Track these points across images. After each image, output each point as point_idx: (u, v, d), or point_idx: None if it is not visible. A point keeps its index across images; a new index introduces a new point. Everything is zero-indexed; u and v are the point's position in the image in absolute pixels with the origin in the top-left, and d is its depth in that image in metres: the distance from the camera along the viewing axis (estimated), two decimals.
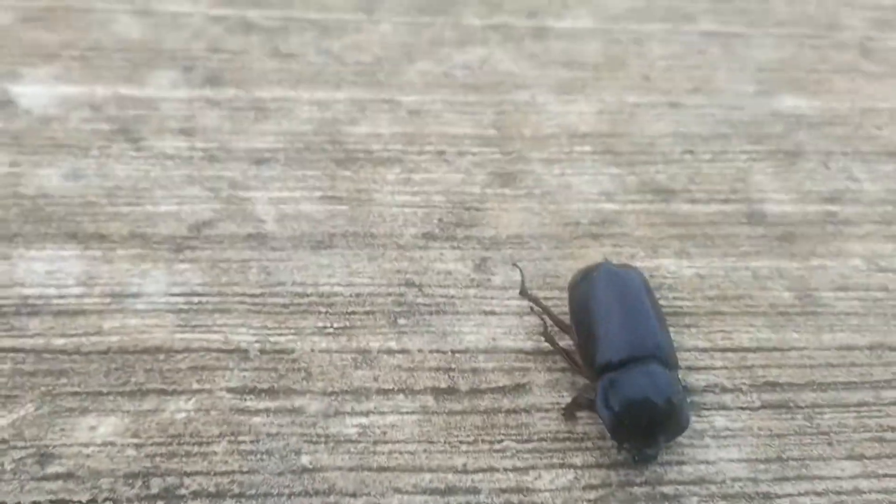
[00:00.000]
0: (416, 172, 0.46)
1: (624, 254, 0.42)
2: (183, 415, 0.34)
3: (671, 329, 0.36)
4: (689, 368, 0.36)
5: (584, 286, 0.35)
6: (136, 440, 0.33)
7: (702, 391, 0.36)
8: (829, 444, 0.34)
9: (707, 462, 0.33)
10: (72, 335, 0.37)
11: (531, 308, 0.37)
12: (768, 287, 0.40)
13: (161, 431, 0.33)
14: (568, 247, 0.42)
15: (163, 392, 0.35)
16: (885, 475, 0.33)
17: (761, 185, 0.46)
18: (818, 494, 0.33)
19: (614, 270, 0.35)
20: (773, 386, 0.36)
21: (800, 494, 0.33)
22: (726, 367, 0.37)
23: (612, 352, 0.32)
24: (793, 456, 0.34)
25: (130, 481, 0.32)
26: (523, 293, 0.37)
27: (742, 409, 0.35)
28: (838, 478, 0.33)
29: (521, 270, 0.38)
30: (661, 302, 0.39)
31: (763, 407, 0.35)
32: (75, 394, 0.35)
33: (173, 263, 0.41)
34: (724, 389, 0.36)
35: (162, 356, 0.37)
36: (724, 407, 0.35)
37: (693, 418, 0.34)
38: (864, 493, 0.33)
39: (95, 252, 0.41)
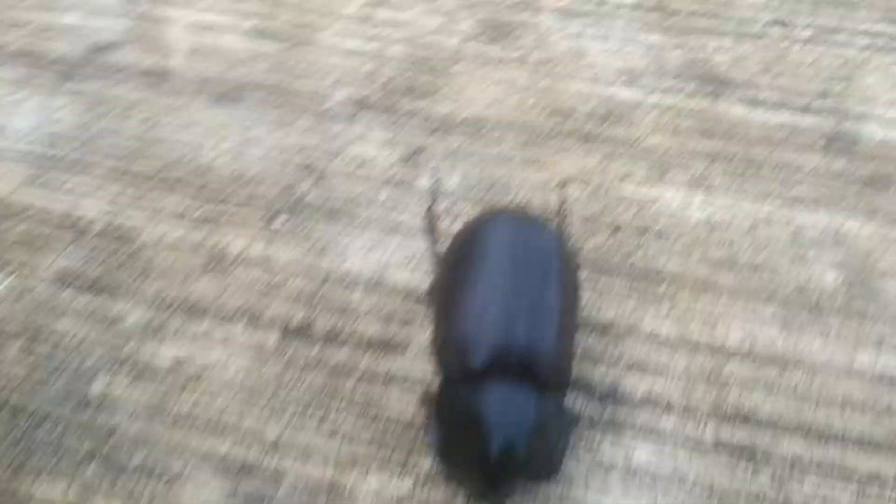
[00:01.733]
0: (384, 7, 0.35)
1: (614, 170, 0.30)
2: None
3: (628, 297, 0.26)
4: (632, 366, 0.26)
5: (462, 241, 0.24)
6: None
7: (636, 404, 0.26)
8: None
9: None
10: None
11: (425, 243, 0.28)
12: (808, 259, 0.28)
13: None
14: (541, 147, 0.31)
15: None
16: None
17: (870, 91, 0.31)
18: None
19: (514, 227, 0.24)
20: (745, 418, 0.25)
21: None
22: (687, 377, 0.26)
23: (464, 354, 0.22)
24: None
25: None
26: (427, 214, 0.27)
27: (684, 444, 0.25)
28: None
29: (437, 180, 0.28)
30: (637, 256, 0.28)
31: (716, 448, 0.25)
32: None
33: (54, 95, 0.34)
34: (670, 408, 0.25)
35: None
36: (657, 433, 0.25)
37: (605, 445, 0.25)
38: None
39: None
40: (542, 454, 0.22)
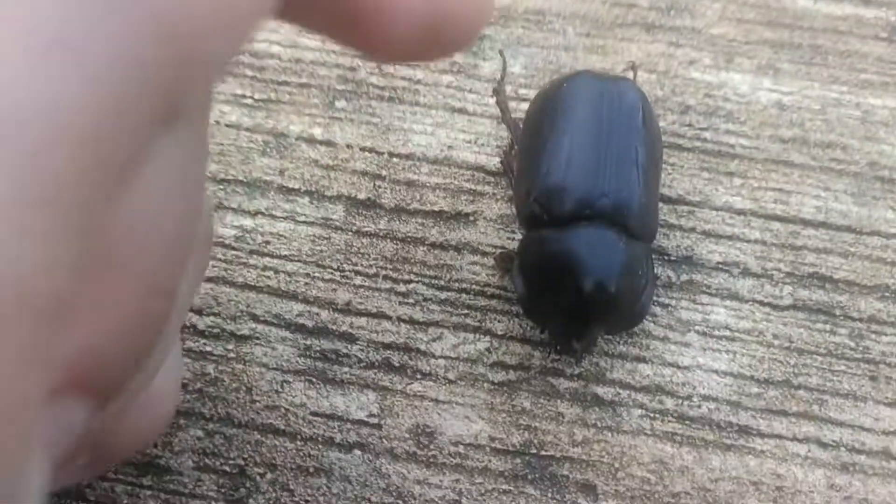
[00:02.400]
0: None
1: (680, 57, 0.31)
2: None
3: (699, 173, 0.27)
4: (705, 234, 0.27)
5: (545, 99, 0.26)
6: None
7: (712, 268, 0.27)
8: (873, 378, 0.25)
9: (677, 366, 0.25)
10: None
11: (500, 117, 0.29)
12: (878, 137, 0.29)
13: None
14: (604, 36, 0.32)
15: None
16: None
17: None
18: (822, 446, 0.24)
19: (597, 83, 0.26)
20: (822, 281, 0.27)
21: (793, 439, 0.24)
22: (763, 243, 0.27)
23: (549, 201, 0.23)
24: (808, 384, 0.25)
25: None
26: (497, 93, 0.29)
27: (761, 304, 0.26)
28: (865, 429, 0.24)
29: (504, 61, 0.29)
30: (706, 135, 0.30)
31: (794, 307, 0.26)
32: None
33: None
34: (747, 272, 0.27)
35: None
36: (734, 296, 0.26)
37: (683, 304, 0.26)
38: (895, 459, 0.24)
39: None
40: (630, 296, 0.24)
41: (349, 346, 0.26)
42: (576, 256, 0.23)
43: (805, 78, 0.31)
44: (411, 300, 0.27)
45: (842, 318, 0.26)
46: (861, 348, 0.26)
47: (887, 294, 0.27)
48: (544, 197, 0.24)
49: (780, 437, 0.25)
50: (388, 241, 0.28)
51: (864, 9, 0.33)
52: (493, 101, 0.31)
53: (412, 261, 0.28)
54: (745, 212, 0.28)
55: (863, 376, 0.25)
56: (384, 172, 0.30)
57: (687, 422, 0.25)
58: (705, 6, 0.33)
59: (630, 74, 0.30)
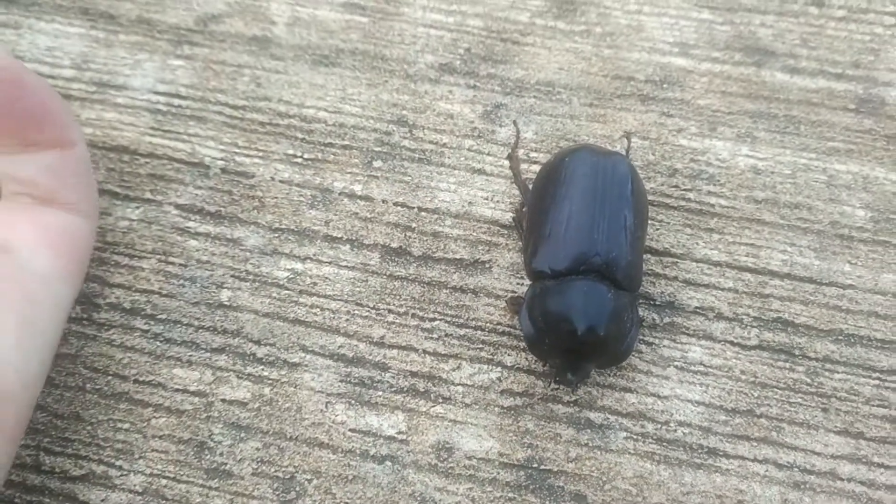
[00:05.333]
0: None
1: (670, 125, 0.36)
2: (125, 223, 0.36)
3: (683, 229, 0.32)
4: (686, 282, 0.32)
5: (550, 170, 0.31)
6: None
7: (691, 311, 0.32)
8: (825, 410, 0.30)
9: (658, 396, 0.30)
10: None
11: (513, 179, 0.34)
12: (841, 199, 0.34)
13: (99, 237, 0.35)
14: (604, 106, 0.37)
15: (115, 195, 0.37)
16: (880, 465, 0.29)
17: (895, 63, 0.38)
18: (778, 467, 0.29)
19: (592, 157, 0.31)
20: (784, 325, 0.31)
21: (754, 461, 0.29)
22: (735, 291, 0.32)
23: (550, 258, 0.29)
24: (769, 414, 0.30)
25: None
26: (511, 158, 0.34)
27: (731, 344, 0.31)
28: (816, 453, 0.29)
29: (517, 130, 0.35)
30: (690, 196, 0.35)
31: (759, 347, 0.31)
32: None
33: (169, 58, 0.41)
34: (720, 316, 0.32)
35: (126, 157, 0.38)
36: (709, 336, 0.31)
37: (665, 343, 0.31)
38: (840, 479, 0.29)
39: (99, 33, 0.42)
40: (618, 338, 0.29)
41: (382, 374, 0.32)
42: (572, 304, 0.28)
43: (779, 145, 0.36)
44: (435, 335, 0.32)
45: (800, 357, 0.31)
46: (816, 384, 0.30)
47: (840, 337, 0.31)
48: (547, 254, 0.29)
49: (742, 458, 0.29)
50: (417, 284, 0.33)
51: (836, 82, 0.38)
52: (507, 163, 0.36)
53: (436, 302, 0.33)
54: (721, 263, 0.33)
55: (816, 408, 0.30)
56: (414, 224, 0.35)
57: (664, 443, 0.30)
58: (694, 79, 0.38)
59: (626, 142, 0.35)
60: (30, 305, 0.26)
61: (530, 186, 0.33)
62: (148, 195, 0.36)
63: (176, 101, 0.39)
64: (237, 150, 0.37)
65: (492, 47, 0.40)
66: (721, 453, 0.29)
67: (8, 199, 0.30)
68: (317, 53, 0.40)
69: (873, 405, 0.30)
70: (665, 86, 0.38)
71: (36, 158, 0.29)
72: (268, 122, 0.38)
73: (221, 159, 0.37)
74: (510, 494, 0.29)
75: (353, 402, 0.31)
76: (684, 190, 0.35)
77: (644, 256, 0.32)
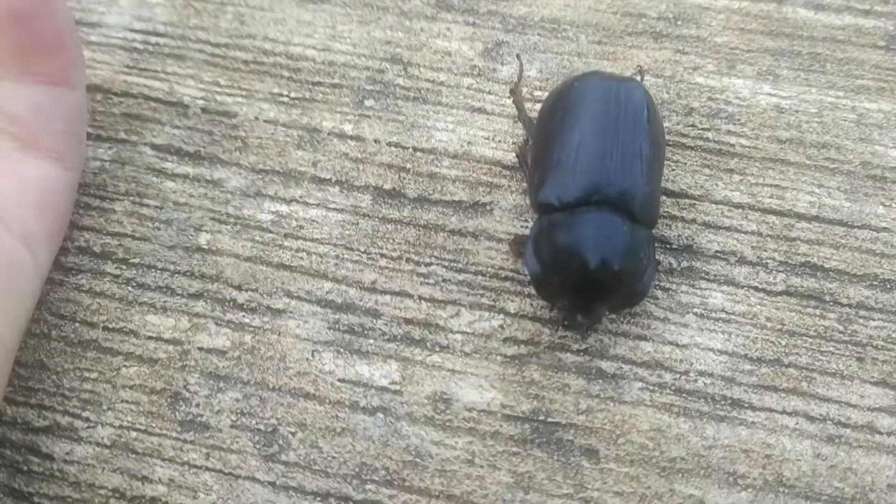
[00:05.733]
0: None
1: (685, 63, 0.34)
2: (96, 163, 0.33)
3: (701, 170, 0.30)
4: (705, 225, 0.30)
5: (557, 96, 0.28)
6: None
7: (711, 256, 0.29)
8: (860, 359, 0.27)
9: (675, 344, 0.28)
10: None
11: (516, 115, 0.31)
12: (872, 139, 0.31)
13: None
14: (613, 44, 0.35)
15: (87, 136, 0.34)
16: None
17: None
18: (809, 419, 0.26)
19: (604, 82, 0.28)
20: (813, 270, 0.29)
21: (783, 413, 0.26)
22: (758, 234, 0.29)
23: (559, 188, 0.26)
24: (798, 363, 0.27)
25: None
26: (514, 93, 0.31)
27: (755, 289, 0.28)
28: (851, 405, 0.26)
29: (520, 64, 0.32)
30: (708, 135, 0.32)
31: (786, 293, 0.28)
32: None
33: None
34: (743, 260, 0.29)
35: (99, 97, 0.35)
36: (731, 282, 0.29)
37: (683, 289, 0.28)
38: (878, 433, 0.26)
39: None
40: (633, 275, 0.26)
41: (374, 321, 0.29)
42: (583, 238, 0.25)
43: (803, 84, 0.33)
44: (431, 280, 0.30)
45: (831, 303, 0.28)
46: (849, 332, 0.28)
47: (875, 283, 0.29)
48: (555, 184, 0.26)
49: (770, 410, 0.27)
50: (411, 227, 0.31)
51: (864, 19, 0.35)
52: (510, 101, 0.33)
53: (433, 245, 0.30)
54: (743, 205, 0.30)
55: (850, 357, 0.27)
56: (408, 165, 0.32)
57: (684, 394, 0.27)
58: (710, 16, 0.36)
59: (638, 77, 0.32)
60: (11, 271, 0.24)
61: (535, 123, 0.30)
62: (122, 135, 0.33)
63: (153, 39, 0.36)
64: (218, 90, 0.34)
65: None
66: (746, 405, 0.26)
67: None
68: None
69: None
70: (679, 23, 0.35)
71: (30, 91, 0.27)
72: (252, 60, 0.35)
73: (201, 98, 0.34)
74: (514, 448, 0.26)
75: (341, 350, 0.28)
76: (702, 129, 0.32)
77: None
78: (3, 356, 0.24)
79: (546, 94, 0.32)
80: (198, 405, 0.27)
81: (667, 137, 0.31)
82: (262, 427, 0.27)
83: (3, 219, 0.25)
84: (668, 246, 0.30)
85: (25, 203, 0.26)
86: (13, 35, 0.26)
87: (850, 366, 0.27)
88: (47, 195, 0.27)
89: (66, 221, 0.29)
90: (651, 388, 0.27)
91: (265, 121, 0.34)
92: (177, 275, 0.30)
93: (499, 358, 0.28)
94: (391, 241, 0.30)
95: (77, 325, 0.29)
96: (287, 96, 0.34)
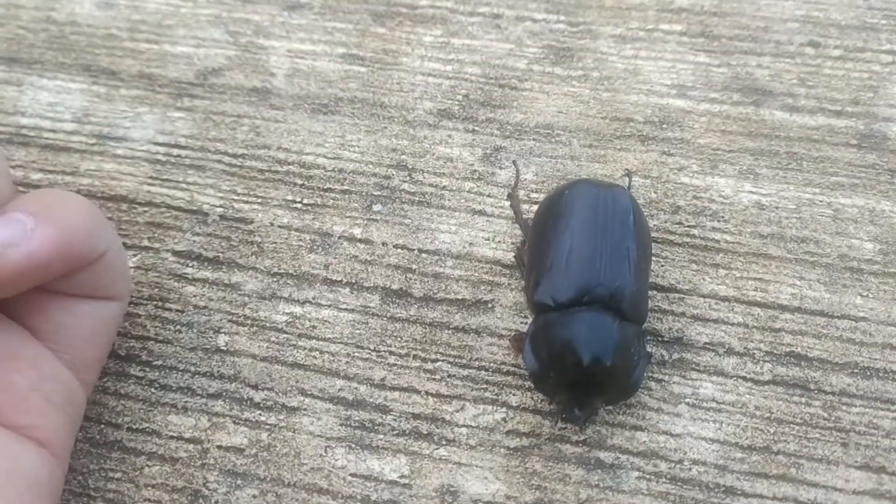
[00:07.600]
0: (459, 37, 0.43)
1: (671, 164, 0.36)
2: None
3: (688, 265, 0.32)
4: (694, 318, 0.32)
5: (549, 203, 0.31)
6: None
7: (700, 347, 0.31)
8: (844, 445, 0.29)
9: (670, 434, 0.29)
10: (49, 171, 0.39)
11: (514, 218, 0.34)
12: (848, 233, 0.34)
13: None
14: (604, 147, 0.37)
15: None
16: None
17: (894, 99, 0.38)
18: None
19: (592, 189, 0.30)
20: (798, 359, 0.31)
21: (773, 499, 0.28)
22: (745, 325, 0.31)
23: (553, 289, 0.28)
24: (786, 450, 0.29)
25: None
26: (511, 197, 0.34)
27: (744, 379, 0.30)
28: (837, 489, 0.28)
29: (517, 169, 0.35)
30: (694, 232, 0.34)
31: (773, 382, 0.30)
32: None
33: (169, 110, 0.41)
34: (731, 351, 0.31)
35: (125, 206, 0.38)
36: (720, 372, 0.30)
37: (675, 380, 0.30)
38: None
39: (101, 88, 0.43)
40: (625, 370, 0.28)
41: (384, 416, 0.31)
42: (577, 336, 0.27)
43: (782, 181, 0.36)
44: (437, 376, 0.31)
45: (816, 391, 0.30)
46: (833, 418, 0.29)
47: (856, 370, 0.30)
48: (549, 285, 0.28)
49: (761, 496, 0.28)
50: (418, 325, 0.33)
51: (836, 119, 0.38)
52: (507, 203, 0.36)
53: (438, 342, 0.32)
54: (729, 298, 0.32)
55: (835, 443, 0.29)
56: (414, 266, 0.34)
57: (679, 483, 0.29)
58: (693, 119, 0.38)
59: (627, 180, 0.35)
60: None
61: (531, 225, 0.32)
62: (146, 242, 0.36)
63: (175, 151, 0.39)
64: (236, 197, 0.37)
65: (490, 93, 0.40)
66: (739, 492, 0.28)
67: None
68: (316, 102, 0.40)
69: (893, 438, 0.29)
70: (664, 126, 0.38)
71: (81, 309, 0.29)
72: (267, 169, 0.38)
73: (220, 206, 0.37)
74: None
75: (353, 445, 0.30)
76: (688, 226, 0.34)
77: (650, 293, 0.31)
78: None
79: (542, 195, 0.35)
80: (216, 502, 0.29)
81: (655, 235, 0.34)
82: None
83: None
84: (659, 338, 0.31)
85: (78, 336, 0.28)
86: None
87: (835, 451, 0.29)
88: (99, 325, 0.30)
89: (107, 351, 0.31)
90: (647, 477, 0.29)
91: (279, 226, 0.36)
92: (197, 375, 0.32)
93: (502, 450, 0.29)
94: (399, 339, 0.32)
95: (102, 426, 0.31)
96: (300, 202, 0.37)
